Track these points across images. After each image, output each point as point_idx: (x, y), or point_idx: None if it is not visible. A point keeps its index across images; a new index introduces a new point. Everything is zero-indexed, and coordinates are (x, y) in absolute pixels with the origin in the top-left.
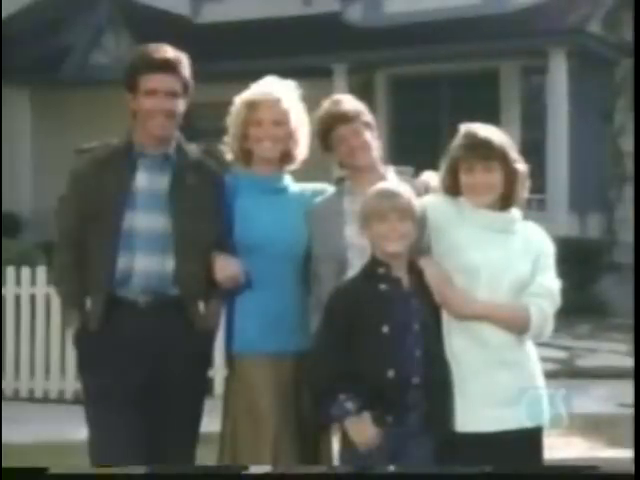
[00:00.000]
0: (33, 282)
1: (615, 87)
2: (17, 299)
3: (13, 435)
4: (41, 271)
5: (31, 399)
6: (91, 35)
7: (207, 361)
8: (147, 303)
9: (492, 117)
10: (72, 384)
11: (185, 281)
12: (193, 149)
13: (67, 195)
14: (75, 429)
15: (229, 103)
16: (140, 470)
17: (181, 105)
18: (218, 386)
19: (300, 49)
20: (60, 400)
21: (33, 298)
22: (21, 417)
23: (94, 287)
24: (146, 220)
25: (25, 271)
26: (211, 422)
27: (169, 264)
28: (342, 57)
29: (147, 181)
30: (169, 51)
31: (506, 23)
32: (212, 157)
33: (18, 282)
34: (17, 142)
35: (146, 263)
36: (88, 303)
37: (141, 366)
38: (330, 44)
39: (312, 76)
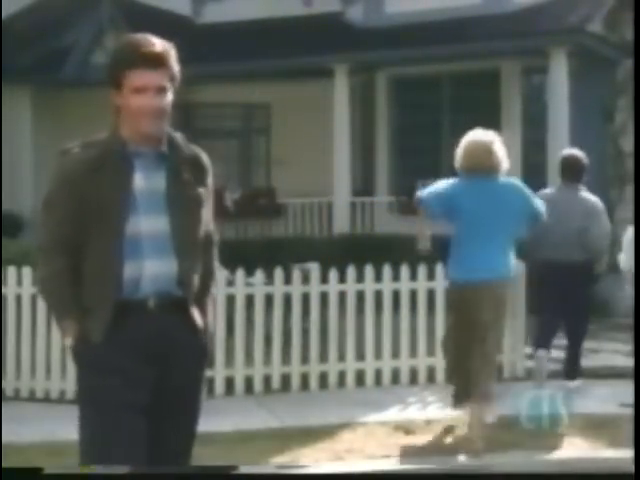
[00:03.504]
0: (34, 282)
1: (616, 87)
2: (18, 299)
3: (14, 435)
4: None
5: (32, 399)
6: (92, 35)
7: (207, 360)
8: (155, 305)
9: (493, 117)
10: (73, 384)
11: (187, 280)
12: (184, 141)
13: (56, 199)
14: (76, 429)
15: (229, 103)
16: (139, 470)
17: (170, 99)
18: (219, 386)
19: (301, 49)
20: (61, 400)
21: (34, 298)
22: (22, 417)
23: (99, 296)
24: (150, 222)
25: (26, 271)
26: (211, 422)
27: (174, 266)
28: (343, 57)
29: (145, 180)
30: (156, 44)
31: (507, 23)
32: (193, 146)
33: (19, 282)
34: (18, 142)
35: (155, 267)
36: (91, 312)
37: (152, 366)
38: (331, 44)
39: (313, 76)
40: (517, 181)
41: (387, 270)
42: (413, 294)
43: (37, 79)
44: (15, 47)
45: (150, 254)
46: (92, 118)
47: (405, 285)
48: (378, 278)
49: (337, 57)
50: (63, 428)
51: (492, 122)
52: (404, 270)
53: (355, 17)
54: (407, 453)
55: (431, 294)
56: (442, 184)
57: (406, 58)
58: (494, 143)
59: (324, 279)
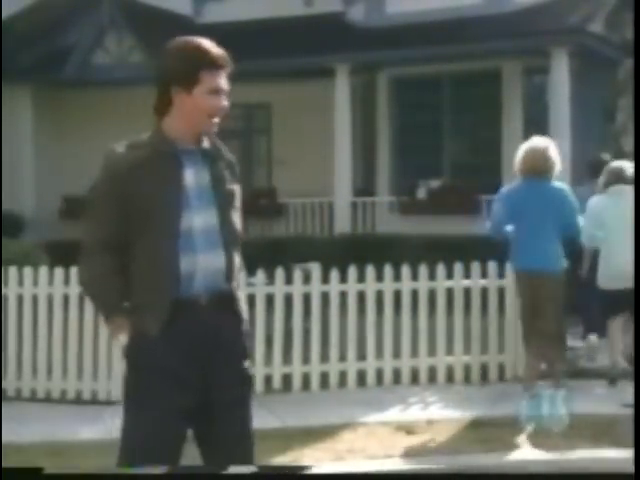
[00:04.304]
0: (35, 282)
1: (617, 87)
2: (19, 299)
3: (15, 435)
4: (43, 271)
5: (33, 399)
6: (93, 35)
7: (249, 351)
8: (207, 301)
9: (494, 117)
10: (74, 384)
11: (233, 273)
12: (216, 139)
13: (99, 198)
14: (77, 429)
15: (230, 103)
16: (140, 470)
17: None
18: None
19: (302, 49)
20: (62, 400)
21: (35, 298)
22: (23, 417)
23: (155, 293)
24: (200, 217)
25: (27, 271)
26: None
27: (222, 261)
28: (344, 57)
29: (194, 177)
30: (218, 47)
31: (508, 23)
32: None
33: (20, 282)
34: (19, 142)
35: (207, 261)
36: (146, 309)
37: (203, 364)
38: (332, 44)
39: (314, 76)
40: (567, 189)
41: (388, 270)
42: (414, 294)
43: (38, 79)
44: (16, 47)
45: (203, 249)
46: (93, 118)
47: (406, 285)
48: (379, 278)
49: (338, 57)
50: (64, 428)
51: (493, 122)
52: (405, 270)
53: (356, 17)
54: (408, 453)
55: (432, 294)
56: (498, 204)
57: (407, 58)
58: (549, 149)
59: (325, 279)
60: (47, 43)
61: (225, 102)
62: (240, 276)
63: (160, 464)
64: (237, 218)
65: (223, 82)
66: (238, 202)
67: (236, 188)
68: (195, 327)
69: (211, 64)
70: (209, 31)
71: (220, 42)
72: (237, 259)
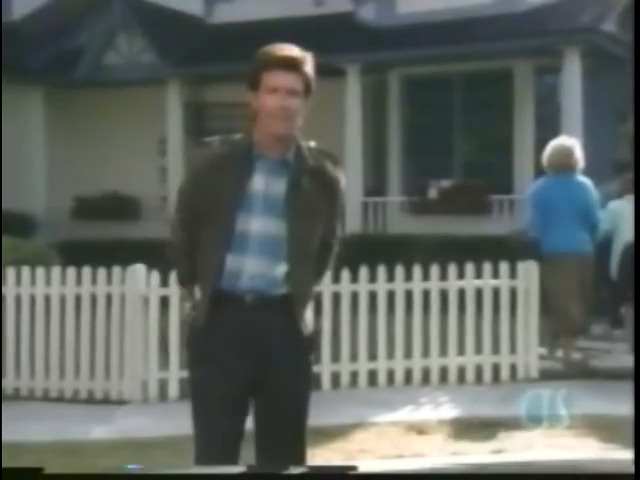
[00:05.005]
0: (48, 282)
1: (629, 86)
2: (32, 299)
3: (27, 434)
4: (55, 271)
5: (45, 398)
6: (104, 36)
7: (310, 358)
8: (253, 301)
9: (505, 117)
10: (86, 384)
11: (296, 283)
12: (311, 152)
13: (184, 187)
14: (88, 429)
15: (241, 103)
16: (144, 471)
17: (302, 105)
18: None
19: (313, 49)
20: (74, 400)
21: (47, 298)
22: (35, 416)
23: (204, 285)
24: (260, 223)
25: (40, 271)
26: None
27: (279, 268)
28: (355, 57)
29: (264, 184)
30: (294, 50)
31: (519, 22)
32: (326, 156)
33: (33, 282)
34: (31, 142)
35: (255, 266)
36: (199, 300)
37: (248, 363)
38: (343, 44)
39: (325, 76)
40: (589, 183)
41: (399, 270)
42: (426, 294)
43: (49, 80)
44: (27, 48)
45: (254, 253)
46: (104, 118)
47: (417, 285)
48: (390, 278)
49: (349, 57)
50: (76, 428)
51: (504, 122)
52: (416, 270)
53: (367, 17)
54: (419, 453)
55: (444, 294)
56: (528, 201)
57: (418, 58)
58: (575, 148)
59: (336, 279)
60: (58, 44)
61: (284, 101)
62: (313, 284)
63: (214, 455)
64: (314, 232)
65: (282, 81)
66: (323, 216)
67: (322, 203)
68: (237, 322)
69: (271, 64)
70: (220, 31)
71: (231, 42)
72: (304, 270)
